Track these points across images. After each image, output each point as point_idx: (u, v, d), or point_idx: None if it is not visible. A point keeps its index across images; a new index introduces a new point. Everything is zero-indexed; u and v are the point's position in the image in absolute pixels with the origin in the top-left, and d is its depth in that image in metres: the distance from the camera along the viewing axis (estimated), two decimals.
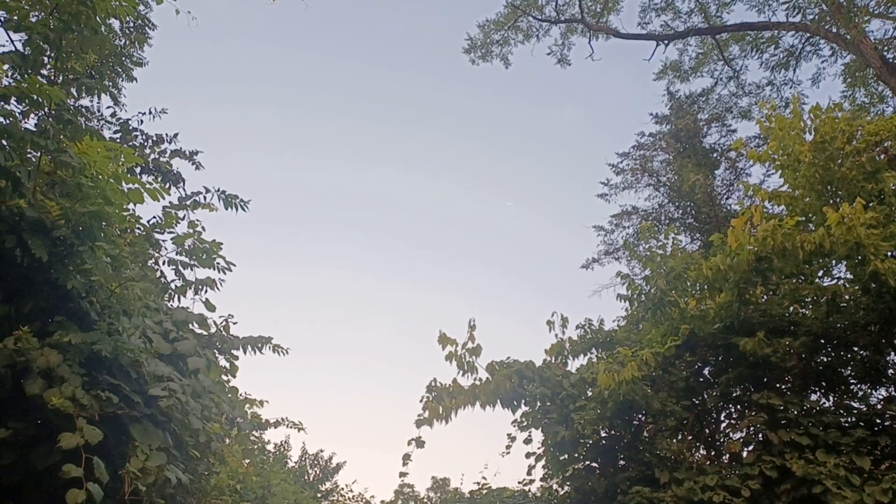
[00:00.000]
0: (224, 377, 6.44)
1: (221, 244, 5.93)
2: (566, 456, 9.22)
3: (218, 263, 5.96)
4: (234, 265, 6.07)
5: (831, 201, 8.83)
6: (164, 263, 6.19)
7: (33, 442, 4.31)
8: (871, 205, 8.27)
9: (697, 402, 9.27)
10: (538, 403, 9.19)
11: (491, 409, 9.15)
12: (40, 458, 4.21)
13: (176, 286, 6.34)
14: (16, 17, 5.04)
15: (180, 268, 6.08)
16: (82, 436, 3.98)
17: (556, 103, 40.31)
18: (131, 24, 11.13)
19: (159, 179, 7.58)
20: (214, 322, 6.38)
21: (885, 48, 16.17)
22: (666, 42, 20.39)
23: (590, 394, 8.89)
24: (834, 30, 16.24)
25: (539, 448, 9.65)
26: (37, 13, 5.54)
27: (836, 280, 9.22)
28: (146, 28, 11.47)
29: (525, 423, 9.60)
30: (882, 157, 8.86)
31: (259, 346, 6.51)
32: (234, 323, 6.51)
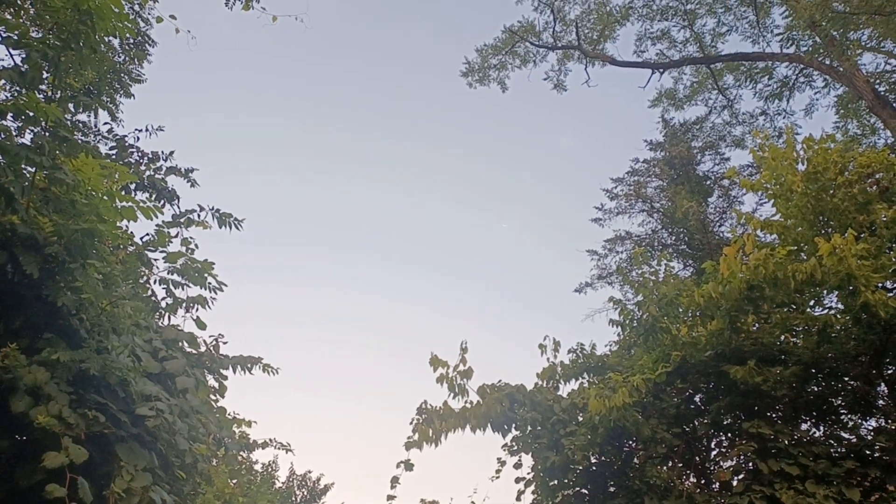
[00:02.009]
0: (213, 397, 6.39)
1: (213, 264, 5.91)
2: (556, 482, 9.14)
3: (209, 283, 5.94)
4: (226, 285, 6.05)
5: (823, 231, 8.88)
6: (155, 282, 6.16)
7: (17, 460, 4.26)
8: (862, 236, 8.32)
9: (688, 429, 9.24)
10: (529, 428, 9.14)
11: (481, 433, 9.08)
12: (24, 477, 4.16)
13: (167, 304, 6.31)
14: (16, 34, 5.06)
15: (171, 286, 6.05)
16: (67, 455, 3.94)
17: (553, 127, 40.66)
18: (131, 42, 11.19)
19: (154, 197, 7.58)
20: (204, 341, 6.35)
21: (877, 81, 16.42)
22: (661, 70, 20.63)
23: (580, 419, 8.85)
24: (827, 62, 16.48)
25: (529, 473, 9.56)
26: (37, 30, 5.56)
27: (827, 310, 9.24)
28: (146, 45, 11.53)
29: (515, 448, 9.53)
30: (874, 188, 8.93)
31: (249, 365, 6.47)
32: (225, 342, 6.48)
